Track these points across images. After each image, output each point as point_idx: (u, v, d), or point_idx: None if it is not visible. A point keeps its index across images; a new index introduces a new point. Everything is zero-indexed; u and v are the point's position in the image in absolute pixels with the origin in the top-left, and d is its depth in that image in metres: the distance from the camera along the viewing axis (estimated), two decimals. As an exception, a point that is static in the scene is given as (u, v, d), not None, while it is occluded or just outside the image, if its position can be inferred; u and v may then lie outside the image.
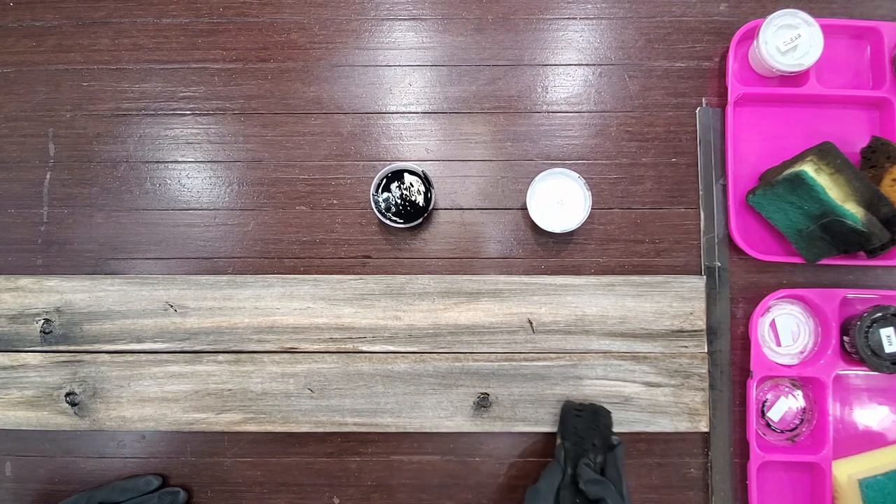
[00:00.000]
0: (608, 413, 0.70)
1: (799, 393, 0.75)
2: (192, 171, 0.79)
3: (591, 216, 0.75)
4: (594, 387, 0.73)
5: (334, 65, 0.79)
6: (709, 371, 0.73)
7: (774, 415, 0.74)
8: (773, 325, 0.75)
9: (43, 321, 0.75)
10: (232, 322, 0.74)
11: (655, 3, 0.79)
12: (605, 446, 0.67)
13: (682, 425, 0.73)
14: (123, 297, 0.75)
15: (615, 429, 0.73)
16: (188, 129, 0.79)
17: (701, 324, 0.74)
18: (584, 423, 0.69)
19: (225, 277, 0.75)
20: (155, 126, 0.79)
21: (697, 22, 0.79)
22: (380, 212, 0.73)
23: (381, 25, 0.80)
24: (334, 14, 0.80)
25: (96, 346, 0.75)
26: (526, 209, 0.74)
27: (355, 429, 0.74)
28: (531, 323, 0.74)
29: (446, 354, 0.74)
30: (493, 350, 0.74)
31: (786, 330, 0.75)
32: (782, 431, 0.75)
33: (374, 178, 0.73)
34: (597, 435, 0.68)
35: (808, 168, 0.69)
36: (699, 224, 0.77)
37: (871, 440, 0.74)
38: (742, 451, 0.75)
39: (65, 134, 0.79)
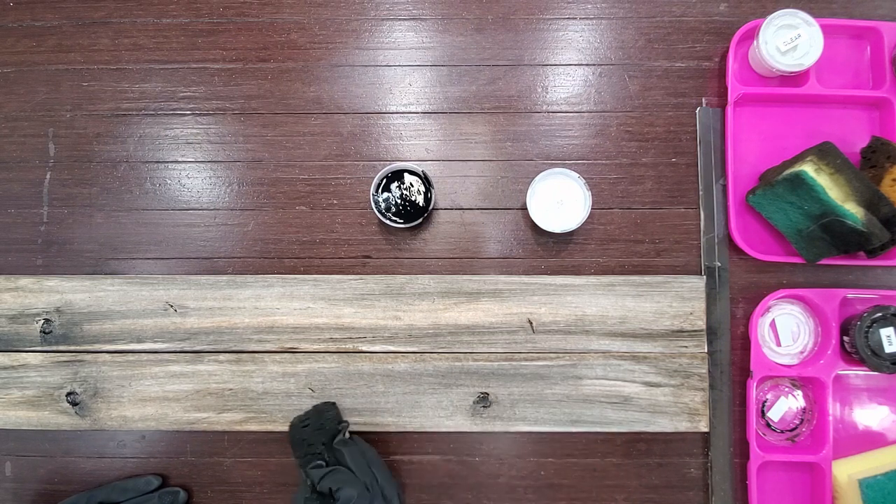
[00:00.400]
0: (331, 405, 0.71)
1: (799, 393, 0.75)
2: (192, 171, 0.79)
3: (591, 216, 0.75)
4: (594, 387, 0.73)
5: (334, 65, 0.79)
6: (709, 371, 0.73)
7: (774, 415, 0.74)
8: (773, 325, 0.75)
9: (43, 321, 0.75)
10: (232, 322, 0.74)
11: (655, 3, 0.79)
12: (331, 440, 0.68)
13: (682, 425, 0.73)
14: (123, 297, 0.75)
15: (613, 429, 0.73)
16: (188, 129, 0.79)
17: (701, 324, 0.74)
18: (309, 430, 0.69)
19: (225, 277, 0.75)
20: (155, 126, 0.79)
21: (697, 22, 0.79)
22: (380, 212, 0.73)
23: (381, 25, 0.80)
24: (334, 14, 0.80)
25: (96, 346, 0.75)
26: (526, 209, 0.74)
27: (356, 428, 0.74)
28: (531, 323, 0.74)
29: (446, 354, 0.74)
30: (493, 350, 0.74)
31: (786, 330, 0.75)
32: (782, 431, 0.75)
33: (374, 178, 0.73)
34: (323, 434, 0.69)
35: (808, 168, 0.69)
36: (699, 224, 0.77)
37: (871, 440, 0.74)
38: (742, 451, 0.75)
39: (65, 134, 0.79)
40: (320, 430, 0.69)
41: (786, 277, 0.76)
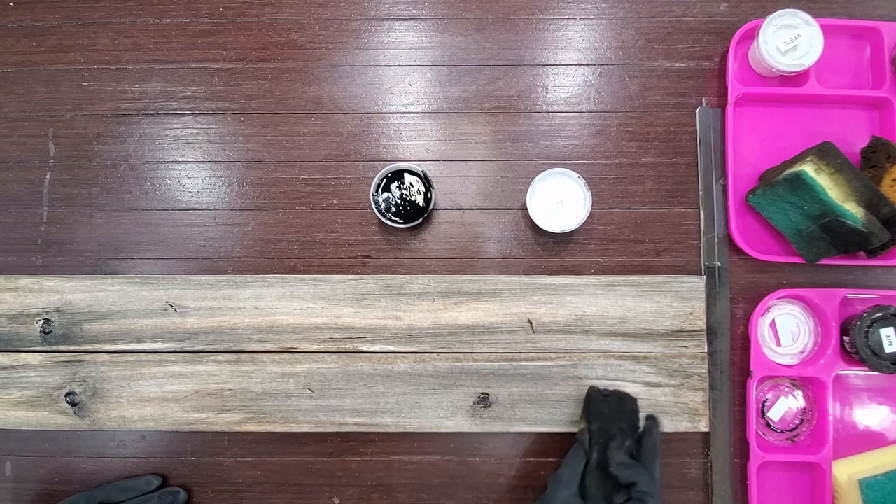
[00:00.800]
0: (634, 400, 0.69)
1: (799, 393, 0.75)
2: (192, 171, 0.79)
3: (591, 216, 0.75)
4: (594, 387, 0.73)
5: (334, 65, 0.79)
6: (709, 371, 0.73)
7: (774, 415, 0.74)
8: (773, 325, 0.75)
9: (43, 321, 0.75)
10: (232, 322, 0.74)
11: (655, 3, 0.79)
12: (632, 430, 0.66)
13: (682, 425, 0.73)
14: (123, 297, 0.75)
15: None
16: (188, 129, 0.79)
17: (701, 324, 0.74)
18: (611, 407, 0.67)
19: (225, 277, 0.75)
20: (155, 126, 0.79)
21: (697, 22, 0.79)
22: (380, 212, 0.73)
23: (381, 25, 0.80)
24: (334, 14, 0.80)
25: (96, 346, 0.75)
26: (526, 209, 0.74)
27: (355, 429, 0.74)
28: (531, 323, 0.74)
29: (446, 354, 0.74)
30: (493, 350, 0.74)
31: (786, 330, 0.75)
32: (782, 431, 0.75)
33: (374, 178, 0.73)
34: (624, 419, 0.67)
35: (808, 168, 0.69)
36: (699, 224, 0.77)
37: (871, 440, 0.74)
38: (742, 451, 0.75)
39: (65, 134, 0.79)
40: (621, 415, 0.67)
41: (786, 277, 0.76)
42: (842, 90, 0.76)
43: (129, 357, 0.74)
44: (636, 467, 0.62)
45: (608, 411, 0.67)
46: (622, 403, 0.68)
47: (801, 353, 0.75)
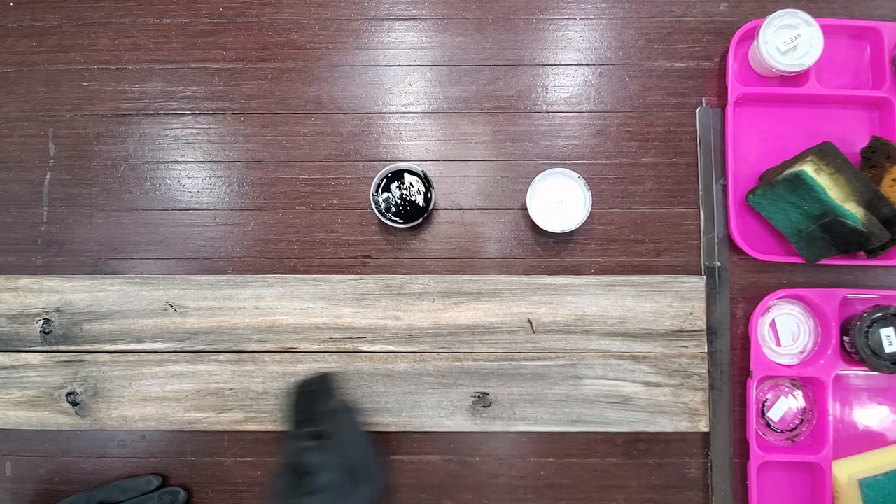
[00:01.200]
0: (332, 377, 0.68)
1: (799, 393, 0.75)
2: (192, 171, 0.79)
3: (591, 216, 0.75)
4: (594, 386, 0.73)
5: (334, 65, 0.79)
6: (709, 371, 0.73)
7: (774, 415, 0.74)
8: (773, 325, 0.75)
9: (43, 321, 0.75)
10: (232, 322, 0.74)
11: (655, 3, 0.79)
12: (327, 413, 0.64)
13: (682, 425, 0.73)
14: (123, 297, 0.75)
15: (613, 429, 0.73)
16: (188, 129, 0.79)
17: (701, 324, 0.74)
18: (313, 395, 0.66)
19: (225, 277, 0.75)
20: (155, 126, 0.79)
21: (697, 22, 0.79)
22: (380, 212, 0.73)
23: (381, 25, 0.80)
24: (334, 14, 0.80)
25: (96, 346, 0.75)
26: (526, 209, 0.74)
27: (355, 429, 0.74)
28: (531, 323, 0.74)
29: (446, 354, 0.74)
30: (492, 350, 0.74)
31: (786, 330, 0.75)
32: (782, 431, 0.75)
33: (374, 178, 0.73)
34: (322, 404, 0.65)
35: (808, 168, 0.69)
36: (699, 224, 0.77)
37: (871, 440, 0.74)
38: (742, 451, 0.75)
39: (65, 134, 0.79)
40: (321, 399, 0.65)
41: (786, 277, 0.76)
42: (842, 90, 0.76)
43: (130, 357, 0.74)
44: (314, 449, 0.58)
45: (307, 401, 0.65)
46: (321, 385, 0.67)
47: (801, 353, 0.75)
